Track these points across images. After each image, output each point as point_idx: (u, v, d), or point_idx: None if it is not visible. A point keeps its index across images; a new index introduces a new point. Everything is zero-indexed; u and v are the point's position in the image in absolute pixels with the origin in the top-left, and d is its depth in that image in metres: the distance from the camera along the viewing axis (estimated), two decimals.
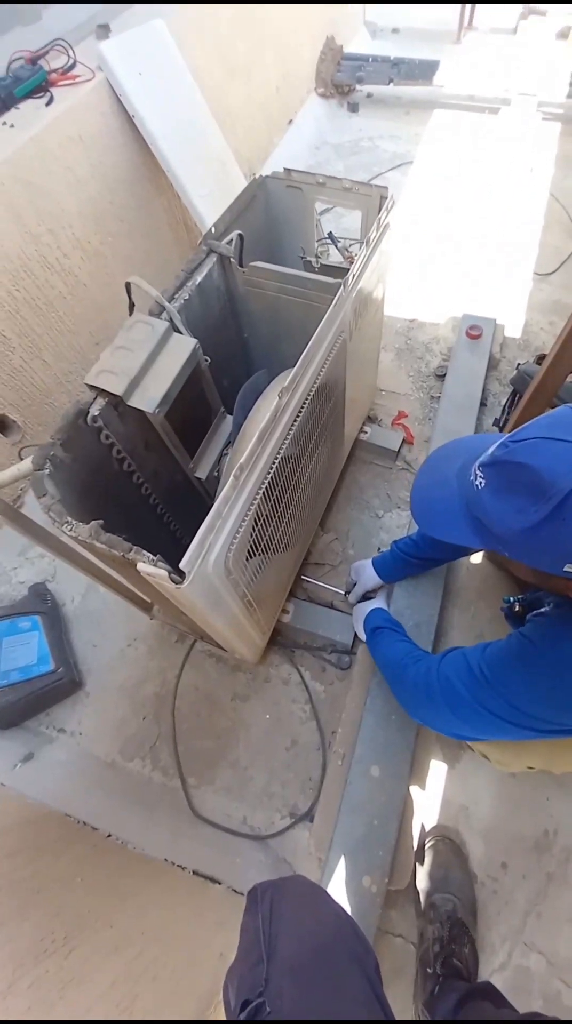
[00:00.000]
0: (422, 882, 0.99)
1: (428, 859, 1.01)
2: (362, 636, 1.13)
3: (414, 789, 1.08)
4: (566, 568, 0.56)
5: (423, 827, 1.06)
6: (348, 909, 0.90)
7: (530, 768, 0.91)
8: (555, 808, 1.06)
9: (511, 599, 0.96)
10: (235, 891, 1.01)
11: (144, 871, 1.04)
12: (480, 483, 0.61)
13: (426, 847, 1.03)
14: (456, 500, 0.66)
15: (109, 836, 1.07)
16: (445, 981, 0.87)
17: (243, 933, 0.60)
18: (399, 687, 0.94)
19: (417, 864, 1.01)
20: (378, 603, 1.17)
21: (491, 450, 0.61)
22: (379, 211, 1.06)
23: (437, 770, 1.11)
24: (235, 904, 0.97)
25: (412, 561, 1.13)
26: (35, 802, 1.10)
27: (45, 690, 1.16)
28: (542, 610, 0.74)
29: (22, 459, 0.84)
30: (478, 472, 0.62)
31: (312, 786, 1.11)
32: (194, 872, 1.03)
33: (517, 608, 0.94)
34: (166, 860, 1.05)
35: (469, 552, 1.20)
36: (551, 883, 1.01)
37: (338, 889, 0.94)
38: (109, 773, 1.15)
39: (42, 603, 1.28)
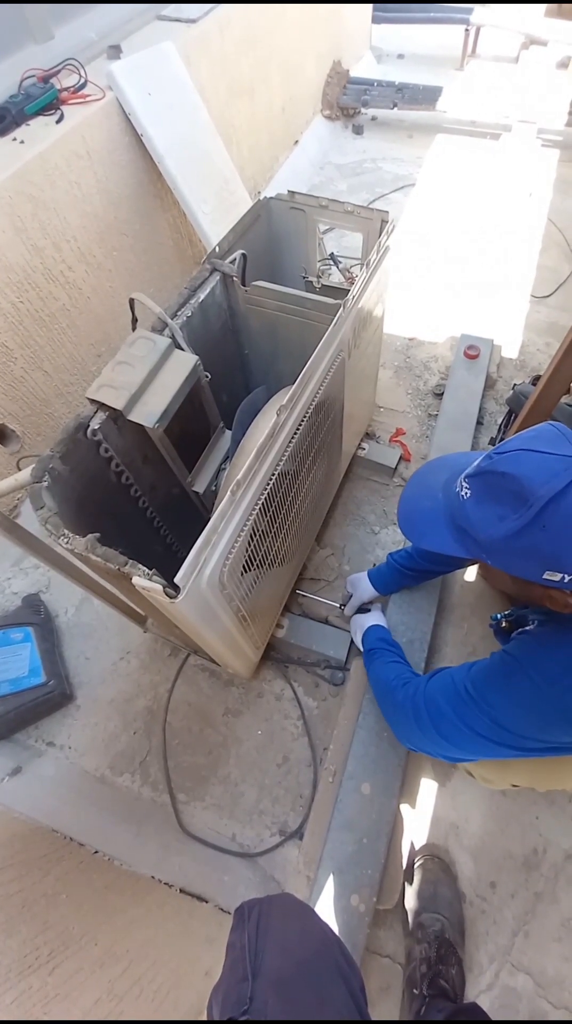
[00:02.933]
0: (410, 901, 0.99)
1: (417, 878, 1.01)
2: (361, 646, 1.14)
3: (404, 807, 1.08)
4: (545, 576, 0.58)
5: (412, 846, 1.06)
6: (336, 928, 0.90)
7: (514, 786, 0.91)
8: (544, 826, 1.07)
9: (499, 616, 0.97)
10: (222, 910, 1.00)
11: (131, 888, 1.02)
12: (465, 494, 0.64)
13: (415, 866, 1.03)
14: (440, 510, 0.69)
15: (96, 852, 1.06)
16: (431, 1002, 0.86)
17: (229, 950, 0.60)
18: (388, 708, 0.95)
19: (406, 883, 1.01)
20: (377, 618, 1.18)
21: (476, 462, 0.64)
22: (380, 234, 1.08)
23: (427, 788, 1.11)
24: (222, 923, 0.96)
25: (407, 573, 1.15)
26: (23, 817, 1.09)
27: (35, 703, 1.16)
28: (527, 628, 0.76)
29: (20, 469, 0.84)
30: (464, 484, 0.64)
31: (303, 803, 1.11)
32: (181, 890, 1.02)
33: (504, 624, 0.95)
34: (153, 877, 1.04)
35: (463, 564, 1.21)
36: (539, 902, 1.01)
37: (326, 908, 0.93)
38: (98, 788, 1.14)
39: (35, 614, 1.28)
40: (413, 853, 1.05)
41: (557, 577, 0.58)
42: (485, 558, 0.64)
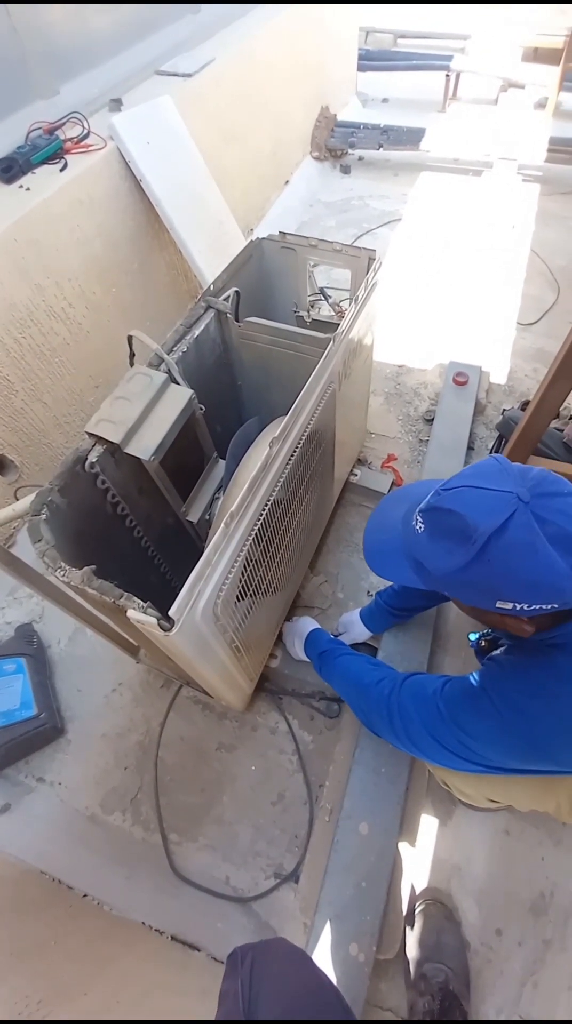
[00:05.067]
0: (412, 950, 0.94)
1: (418, 924, 0.96)
2: (298, 655, 1.14)
3: (403, 846, 1.04)
4: (497, 604, 0.60)
5: (413, 889, 1.02)
6: (334, 980, 0.86)
7: (493, 801, 0.90)
8: (551, 868, 1.03)
9: (477, 635, 0.97)
10: (216, 959, 0.96)
11: (122, 936, 0.98)
12: (420, 527, 0.66)
13: (417, 910, 0.98)
14: (399, 543, 0.71)
15: (86, 896, 1.02)
16: None
17: (222, 999, 0.58)
18: (360, 707, 0.93)
19: (407, 928, 0.97)
20: (312, 623, 1.17)
21: (428, 497, 0.66)
22: (367, 271, 1.12)
23: (428, 825, 1.07)
24: (216, 973, 0.92)
25: (396, 612, 1.15)
26: (12, 858, 1.05)
27: (26, 736, 1.13)
28: (496, 653, 0.77)
29: (18, 499, 0.85)
30: (418, 518, 0.67)
31: (298, 844, 1.07)
32: (173, 937, 0.98)
33: (484, 644, 0.96)
34: (145, 924, 1.00)
35: (449, 598, 1.20)
36: (548, 950, 0.97)
37: (324, 957, 0.89)
38: (88, 827, 1.10)
39: (28, 645, 1.27)
40: (414, 897, 1.01)
41: (509, 606, 0.60)
42: (442, 589, 0.67)
